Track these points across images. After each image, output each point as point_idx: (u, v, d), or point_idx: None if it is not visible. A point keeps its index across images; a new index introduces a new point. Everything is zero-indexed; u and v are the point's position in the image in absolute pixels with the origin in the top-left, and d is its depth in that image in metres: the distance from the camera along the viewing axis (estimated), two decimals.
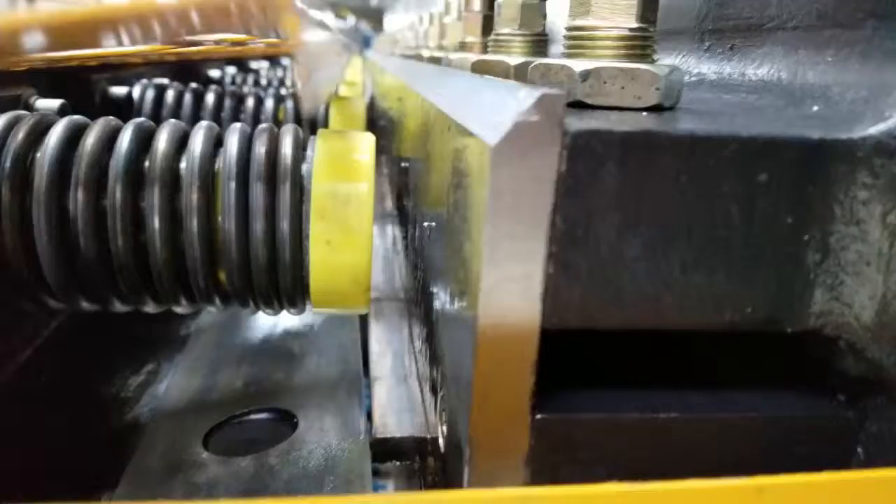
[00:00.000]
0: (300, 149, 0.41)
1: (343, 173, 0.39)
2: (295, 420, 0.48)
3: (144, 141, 0.41)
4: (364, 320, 0.63)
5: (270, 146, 0.40)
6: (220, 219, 0.39)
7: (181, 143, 0.41)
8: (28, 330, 0.53)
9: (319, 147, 0.40)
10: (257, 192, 0.39)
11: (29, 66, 0.49)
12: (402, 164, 0.56)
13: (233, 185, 0.39)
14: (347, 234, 0.39)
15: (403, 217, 0.58)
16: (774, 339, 0.24)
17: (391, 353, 0.55)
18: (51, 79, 0.54)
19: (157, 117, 0.66)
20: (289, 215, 0.39)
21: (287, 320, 0.63)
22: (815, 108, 0.26)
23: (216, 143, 0.41)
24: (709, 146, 0.22)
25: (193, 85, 0.70)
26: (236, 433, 0.48)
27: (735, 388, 0.25)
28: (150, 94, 0.67)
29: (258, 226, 0.39)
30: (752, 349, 0.27)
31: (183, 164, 0.40)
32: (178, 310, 0.43)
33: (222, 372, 0.54)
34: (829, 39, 0.27)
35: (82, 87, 0.61)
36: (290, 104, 0.69)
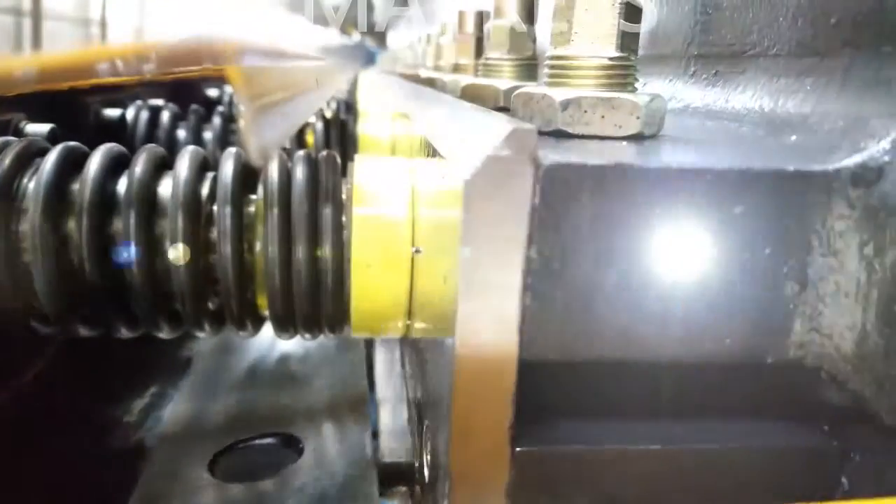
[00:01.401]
0: (339, 174, 0.41)
1: (382, 199, 0.39)
2: (301, 445, 0.48)
3: (158, 166, 0.41)
4: (369, 342, 0.63)
5: (311, 171, 0.40)
6: (257, 244, 0.39)
7: (202, 169, 0.41)
8: (27, 353, 0.53)
9: (358, 172, 0.40)
10: (299, 217, 0.39)
11: (18, 91, 0.49)
12: None
13: (276, 210, 0.39)
14: (388, 258, 0.39)
15: None
16: (756, 369, 0.24)
17: (395, 375, 0.55)
18: (42, 103, 0.54)
19: (151, 139, 0.66)
20: (331, 240, 0.39)
21: (291, 343, 0.63)
22: (794, 137, 0.26)
23: (244, 167, 0.41)
24: (683, 178, 0.22)
25: (194, 106, 0.71)
26: (241, 458, 0.48)
27: (717, 419, 0.25)
28: (144, 115, 0.67)
29: (301, 251, 0.39)
30: (734, 379, 0.26)
31: (205, 191, 0.40)
32: (200, 334, 0.42)
33: (226, 395, 0.54)
34: (808, 67, 0.27)
35: (74, 110, 0.62)
36: (318, 126, 0.70)
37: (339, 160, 0.42)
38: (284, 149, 0.43)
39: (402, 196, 0.40)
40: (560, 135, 0.28)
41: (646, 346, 0.23)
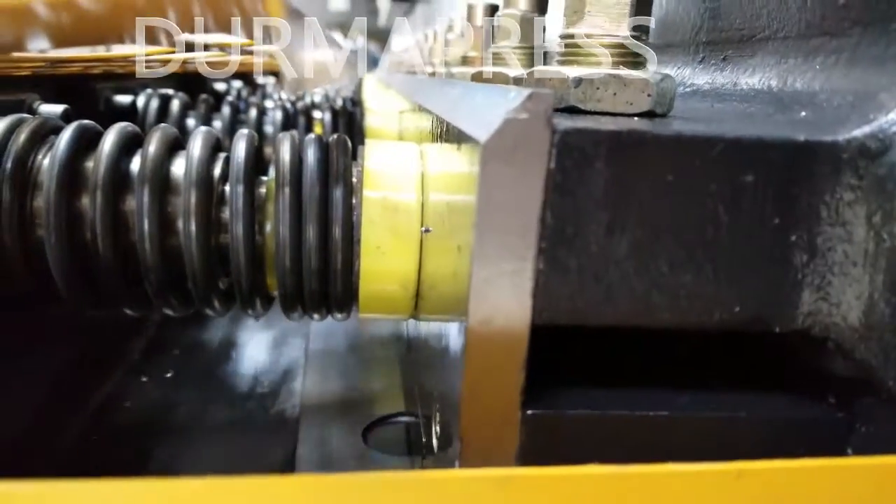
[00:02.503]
0: (350, 157, 0.41)
1: (392, 181, 0.40)
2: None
3: (171, 146, 0.41)
4: None
5: (322, 154, 0.41)
6: (268, 224, 0.39)
7: (215, 149, 0.42)
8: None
9: (368, 156, 0.41)
10: (311, 198, 0.39)
11: (33, 72, 0.50)
12: None
13: (287, 190, 0.39)
14: (397, 240, 0.39)
15: None
16: (764, 339, 0.24)
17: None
18: (55, 85, 0.55)
19: None
20: (341, 221, 0.39)
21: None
22: (803, 113, 0.26)
23: (257, 150, 0.41)
24: (695, 146, 0.22)
25: (203, 96, 0.71)
26: (393, 432, 0.48)
27: (724, 389, 0.26)
28: (154, 103, 0.68)
29: (311, 232, 0.39)
30: (741, 349, 0.27)
31: (218, 171, 0.40)
32: (211, 313, 0.43)
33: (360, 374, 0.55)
34: (816, 48, 0.28)
35: (86, 94, 0.62)
36: (327, 117, 0.70)
37: (349, 143, 0.42)
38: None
39: (412, 179, 0.40)
40: (573, 111, 0.28)
41: (656, 314, 0.23)
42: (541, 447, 0.23)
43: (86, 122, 0.43)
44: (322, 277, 0.40)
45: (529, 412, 0.23)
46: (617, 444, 0.24)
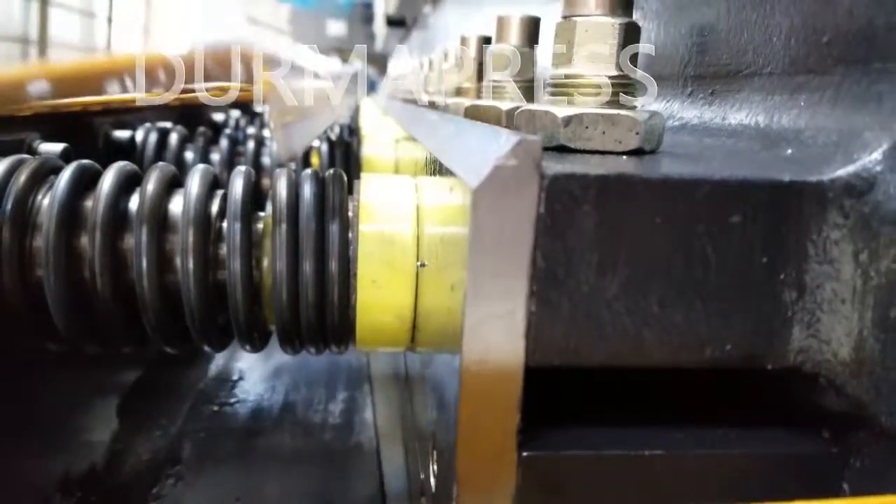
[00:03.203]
0: (346, 192, 0.42)
1: (387, 216, 0.40)
2: None
3: (169, 184, 0.42)
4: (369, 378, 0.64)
5: (318, 189, 0.41)
6: (265, 260, 0.40)
7: (212, 187, 0.42)
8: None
9: (364, 190, 0.41)
10: (307, 233, 0.40)
11: (33, 112, 0.51)
12: None
13: (284, 226, 0.39)
14: (393, 273, 0.40)
15: None
16: (757, 376, 0.24)
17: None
18: (54, 123, 0.56)
19: (160, 160, 0.67)
20: (337, 255, 0.40)
21: None
22: (789, 150, 0.26)
23: (254, 186, 0.42)
24: (682, 188, 0.22)
25: (201, 128, 0.72)
26: None
27: (719, 426, 0.26)
28: (153, 137, 0.68)
29: (308, 266, 0.39)
30: (735, 386, 0.27)
31: (215, 208, 0.41)
32: (209, 349, 0.43)
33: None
34: (801, 85, 0.28)
35: (85, 131, 0.63)
36: (324, 148, 0.71)
37: (345, 178, 0.43)
38: (292, 169, 0.44)
39: (408, 213, 0.41)
40: (562, 150, 0.29)
41: (649, 353, 0.24)
42: (538, 489, 0.23)
43: (85, 161, 0.43)
44: (319, 311, 0.40)
45: (525, 454, 0.23)
46: (615, 483, 0.24)
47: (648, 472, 0.24)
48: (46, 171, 0.42)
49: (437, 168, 0.33)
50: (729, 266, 0.23)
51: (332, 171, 0.44)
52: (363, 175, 0.43)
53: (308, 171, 0.43)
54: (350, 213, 0.41)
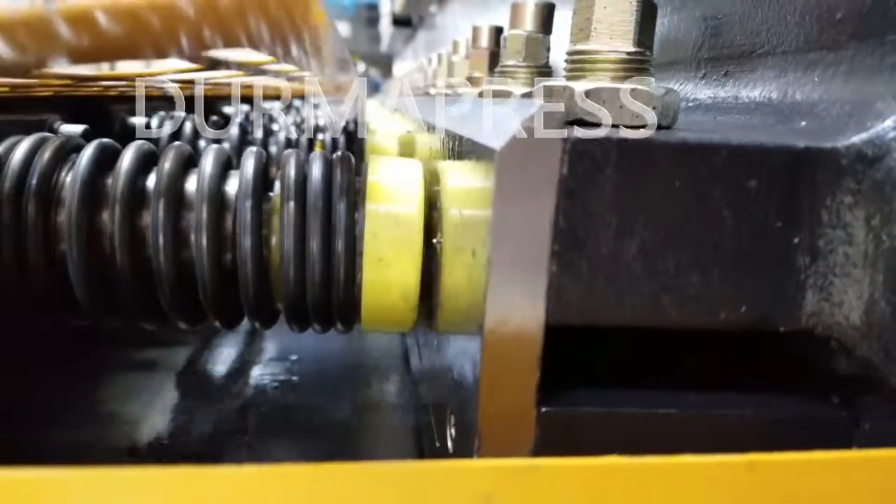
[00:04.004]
0: (353, 173, 0.43)
1: (394, 195, 0.41)
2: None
3: (185, 163, 0.43)
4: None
5: (325, 169, 0.42)
6: (274, 238, 0.41)
7: (226, 167, 0.43)
8: None
9: (371, 171, 0.42)
10: (314, 212, 0.40)
11: (55, 93, 0.51)
12: None
13: (292, 205, 0.40)
14: (399, 252, 0.40)
15: None
16: (769, 339, 0.25)
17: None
18: (73, 107, 0.57)
19: None
20: (344, 234, 0.40)
21: None
22: (803, 123, 0.27)
23: (265, 167, 0.43)
24: (700, 153, 0.23)
25: (214, 118, 0.73)
26: None
27: (731, 389, 0.26)
28: (168, 125, 0.69)
29: (315, 245, 0.40)
30: (748, 349, 0.28)
31: (229, 187, 0.42)
32: (220, 325, 0.44)
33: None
34: (815, 61, 0.29)
35: (102, 116, 0.64)
36: (327, 137, 0.72)
37: (352, 159, 0.44)
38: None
39: (414, 193, 0.41)
40: (581, 123, 0.29)
41: (665, 314, 0.24)
42: (555, 443, 0.24)
43: (106, 140, 0.44)
44: (325, 289, 0.41)
45: (544, 409, 0.24)
46: (628, 440, 0.25)
47: (660, 430, 0.25)
48: (69, 150, 0.43)
49: (454, 148, 0.33)
50: (744, 230, 0.24)
51: (339, 152, 0.44)
52: (370, 156, 0.44)
53: (316, 152, 0.44)
54: (357, 193, 0.41)
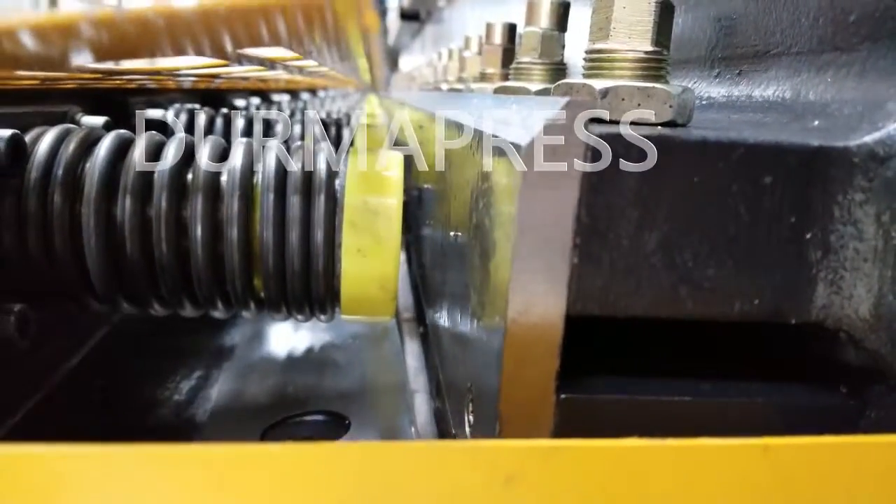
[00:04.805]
0: (334, 164, 0.44)
1: (374, 187, 0.42)
2: (347, 422, 0.51)
3: (187, 154, 0.44)
4: (401, 337, 0.66)
5: (306, 161, 0.43)
6: (258, 228, 0.42)
7: (222, 157, 0.44)
8: (77, 336, 0.55)
9: (352, 163, 0.43)
10: (293, 203, 0.42)
11: (78, 85, 0.52)
12: (414, 193, 0.59)
13: (271, 196, 0.42)
14: (377, 243, 0.42)
15: (418, 244, 0.60)
16: (781, 330, 0.26)
17: (427, 368, 0.58)
18: (93, 99, 0.58)
19: None
20: (323, 225, 0.42)
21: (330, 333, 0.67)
22: (816, 122, 0.28)
23: (254, 158, 0.44)
24: (718, 150, 0.24)
25: (224, 110, 0.74)
26: (292, 432, 0.50)
27: (743, 378, 0.27)
28: (183, 117, 0.70)
29: (294, 235, 0.41)
30: (760, 340, 0.29)
31: (224, 177, 0.43)
32: (215, 314, 0.45)
33: (271, 378, 0.57)
34: (828, 62, 0.30)
35: (120, 108, 0.65)
36: (316, 129, 0.72)
37: (333, 151, 0.45)
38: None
39: (394, 185, 0.42)
40: (599, 121, 0.30)
41: (682, 305, 0.25)
42: (573, 428, 0.25)
43: (122, 131, 0.45)
44: (304, 280, 0.42)
45: (563, 396, 0.25)
46: (643, 426, 0.26)
47: (674, 417, 0.26)
48: (93, 141, 0.44)
49: (477, 139, 0.34)
50: (759, 225, 0.25)
51: (321, 143, 0.45)
52: (352, 149, 0.45)
53: (298, 143, 0.45)
54: (338, 185, 0.42)
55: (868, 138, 0.24)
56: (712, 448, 0.20)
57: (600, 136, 0.24)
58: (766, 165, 0.24)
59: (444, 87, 0.94)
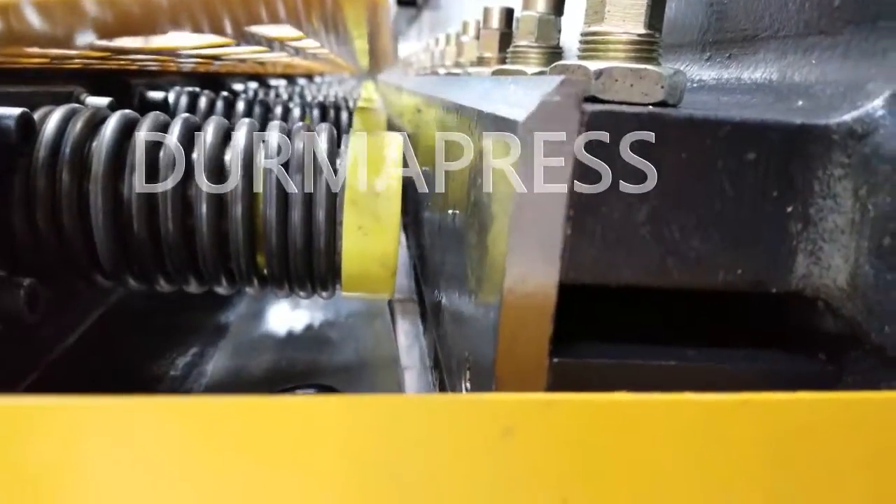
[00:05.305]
0: (335, 145, 0.45)
1: (374, 167, 0.43)
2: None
3: (191, 134, 0.45)
4: (392, 317, 0.67)
5: (308, 142, 0.44)
6: (261, 207, 0.43)
7: (225, 137, 0.45)
8: (74, 313, 0.57)
9: (353, 144, 0.44)
10: (296, 182, 0.43)
11: (82, 66, 0.53)
12: (412, 175, 0.60)
13: (274, 175, 0.43)
14: (377, 222, 0.43)
15: (416, 225, 0.62)
16: (762, 298, 0.27)
17: (418, 346, 0.59)
18: (96, 79, 0.59)
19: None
20: (324, 204, 0.43)
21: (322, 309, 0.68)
22: (800, 102, 0.29)
23: (257, 139, 0.45)
24: (705, 127, 0.25)
25: (224, 93, 0.75)
26: None
27: (727, 345, 0.29)
28: (184, 99, 0.71)
29: (296, 213, 0.43)
30: (743, 308, 0.30)
31: (228, 157, 0.44)
32: (219, 290, 0.46)
33: (265, 354, 0.58)
34: (813, 45, 0.31)
35: (123, 89, 0.66)
36: (315, 112, 0.73)
37: (335, 132, 0.46)
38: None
39: (394, 165, 0.44)
40: (594, 100, 0.32)
41: (669, 275, 0.27)
42: (565, 390, 0.26)
43: (127, 111, 0.46)
44: (306, 256, 0.43)
45: (556, 360, 0.26)
46: (631, 387, 0.27)
47: (660, 380, 0.27)
48: (99, 120, 0.45)
49: (475, 118, 0.35)
50: (743, 199, 0.26)
51: (322, 124, 0.47)
52: (353, 129, 0.46)
53: (299, 124, 0.46)
54: (339, 164, 0.44)
55: (847, 117, 0.25)
56: (695, 402, 0.21)
57: (593, 113, 0.25)
58: (751, 142, 0.25)
59: (442, 71, 0.95)
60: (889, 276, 0.25)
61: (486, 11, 0.66)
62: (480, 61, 0.68)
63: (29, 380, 0.52)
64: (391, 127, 0.73)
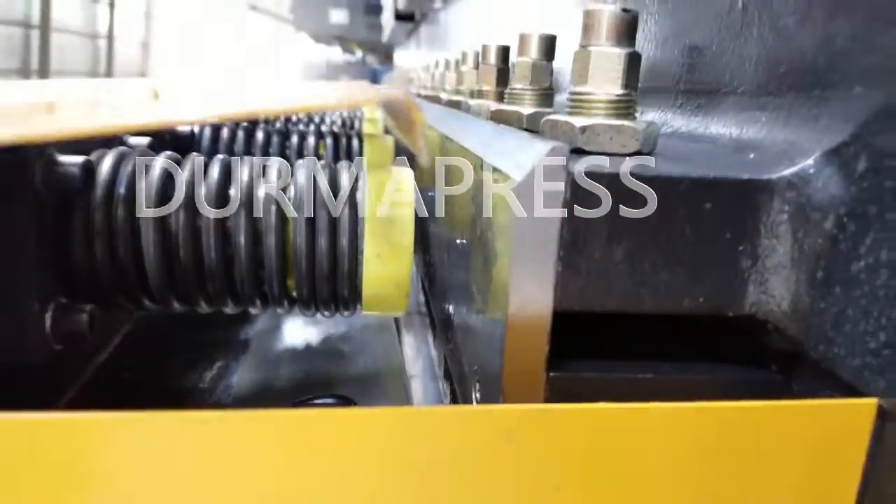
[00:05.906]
0: (356, 180, 0.51)
1: (390, 200, 0.49)
2: (354, 404, 0.57)
3: (227, 171, 0.51)
4: (398, 330, 0.73)
5: (332, 177, 0.50)
6: (292, 236, 0.49)
7: (258, 175, 0.51)
8: (105, 333, 0.62)
9: (370, 179, 0.50)
10: (322, 215, 0.49)
11: None
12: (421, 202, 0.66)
13: (304, 208, 0.48)
14: (393, 249, 0.49)
15: (423, 244, 0.67)
16: (721, 321, 0.33)
17: (422, 357, 0.64)
18: None
19: (214, 151, 0.76)
20: (347, 233, 0.49)
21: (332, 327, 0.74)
22: (752, 155, 0.35)
23: (285, 173, 0.51)
24: (669, 183, 0.31)
25: (244, 123, 0.81)
26: None
27: (694, 360, 0.34)
28: (208, 131, 0.77)
29: (323, 242, 0.48)
30: (705, 329, 0.36)
31: (261, 193, 0.50)
32: (253, 311, 0.52)
33: (285, 367, 0.64)
34: (764, 104, 0.37)
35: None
36: (329, 141, 0.79)
37: (355, 169, 0.52)
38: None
39: (407, 198, 0.50)
40: (579, 152, 0.37)
41: (643, 302, 0.32)
42: (559, 400, 0.32)
43: (169, 153, 0.52)
44: (332, 280, 0.49)
45: (552, 374, 0.32)
46: (615, 397, 0.33)
47: (640, 390, 0.33)
48: (146, 161, 0.51)
49: (480, 165, 0.41)
50: (702, 240, 0.32)
51: (343, 162, 0.53)
52: (368, 167, 0.52)
53: (322, 162, 0.52)
54: (358, 198, 0.50)
55: (787, 172, 0.31)
56: (661, 410, 0.27)
57: (577, 171, 0.31)
58: (707, 194, 0.31)
59: (444, 95, 1.01)
60: (822, 304, 0.30)
61: (485, 48, 0.72)
62: (479, 94, 0.74)
63: (67, 396, 0.57)
64: (399, 151, 0.79)
